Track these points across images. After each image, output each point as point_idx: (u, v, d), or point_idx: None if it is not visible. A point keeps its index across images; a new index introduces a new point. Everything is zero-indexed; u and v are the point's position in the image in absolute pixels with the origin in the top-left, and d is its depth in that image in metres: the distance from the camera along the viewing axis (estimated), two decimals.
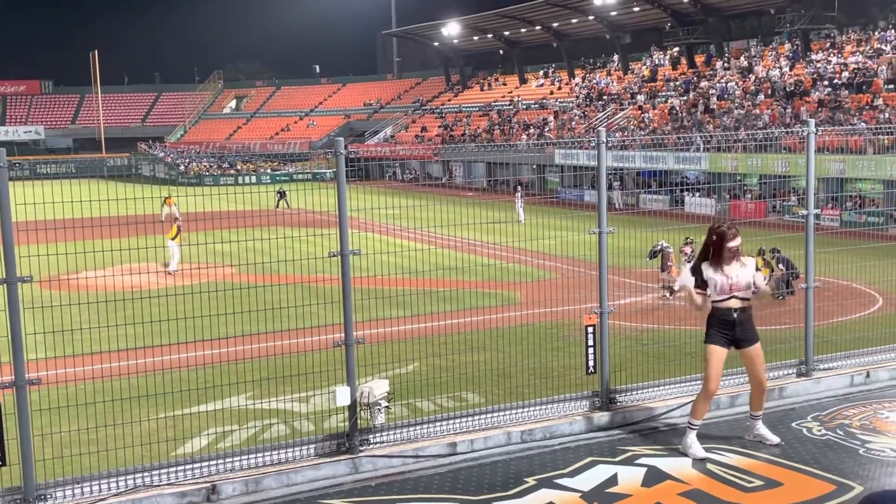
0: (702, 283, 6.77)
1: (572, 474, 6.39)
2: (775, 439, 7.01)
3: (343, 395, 6.64)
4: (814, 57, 47.04)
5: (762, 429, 7.09)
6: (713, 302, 6.78)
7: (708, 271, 6.77)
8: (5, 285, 5.63)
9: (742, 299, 6.78)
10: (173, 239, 26.75)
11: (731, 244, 6.70)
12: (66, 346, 14.43)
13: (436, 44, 78.00)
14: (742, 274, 6.75)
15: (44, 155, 76.10)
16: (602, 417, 7.45)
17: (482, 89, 75.35)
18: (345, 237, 6.60)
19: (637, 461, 6.64)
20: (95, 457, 7.46)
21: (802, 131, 8.50)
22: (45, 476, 6.08)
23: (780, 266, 18.00)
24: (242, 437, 11.78)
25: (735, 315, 6.76)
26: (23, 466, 5.77)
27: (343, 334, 6.71)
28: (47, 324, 11.50)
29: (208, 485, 6.17)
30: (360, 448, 6.67)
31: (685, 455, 6.71)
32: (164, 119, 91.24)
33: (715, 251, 6.75)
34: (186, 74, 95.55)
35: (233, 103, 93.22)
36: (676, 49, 59.76)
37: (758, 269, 6.96)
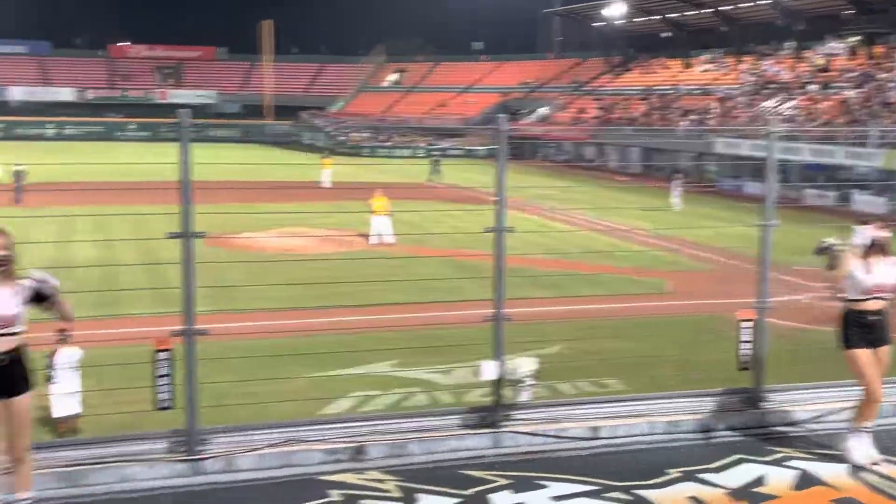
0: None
1: (718, 470, 6.25)
2: (862, 461, 6.48)
3: (489, 370, 6.70)
4: None
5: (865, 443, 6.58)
6: (851, 301, 6.48)
7: (854, 267, 6.47)
8: (182, 239, 5.95)
9: (883, 300, 6.48)
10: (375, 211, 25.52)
11: (878, 234, 6.44)
12: (225, 301, 15.22)
13: (598, 24, 76.80)
14: (890, 274, 6.46)
15: (214, 119, 79.73)
16: (753, 415, 7.22)
17: (643, 73, 73.76)
18: (502, 212, 6.63)
19: (787, 463, 6.42)
20: (248, 408, 7.84)
21: None
22: (203, 422, 6.41)
23: None
24: (385, 402, 12.09)
25: (873, 317, 6.46)
26: (187, 412, 6.12)
27: (493, 310, 6.75)
28: (209, 279, 12.12)
29: (356, 445, 6.37)
30: (503, 423, 6.72)
31: (843, 461, 6.42)
32: (327, 89, 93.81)
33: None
34: (351, 47, 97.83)
35: (393, 77, 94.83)
36: (855, 38, 56.58)
37: None
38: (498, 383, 6.76)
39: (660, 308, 18.00)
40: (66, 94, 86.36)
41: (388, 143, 70.98)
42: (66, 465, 5.78)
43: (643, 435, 6.90)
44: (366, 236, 25.18)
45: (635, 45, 78.82)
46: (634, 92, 68.87)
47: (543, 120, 71.57)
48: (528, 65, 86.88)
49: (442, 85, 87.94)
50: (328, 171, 40.17)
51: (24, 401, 5.32)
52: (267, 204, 23.52)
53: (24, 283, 5.30)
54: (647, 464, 6.32)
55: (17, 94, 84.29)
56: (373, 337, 14.32)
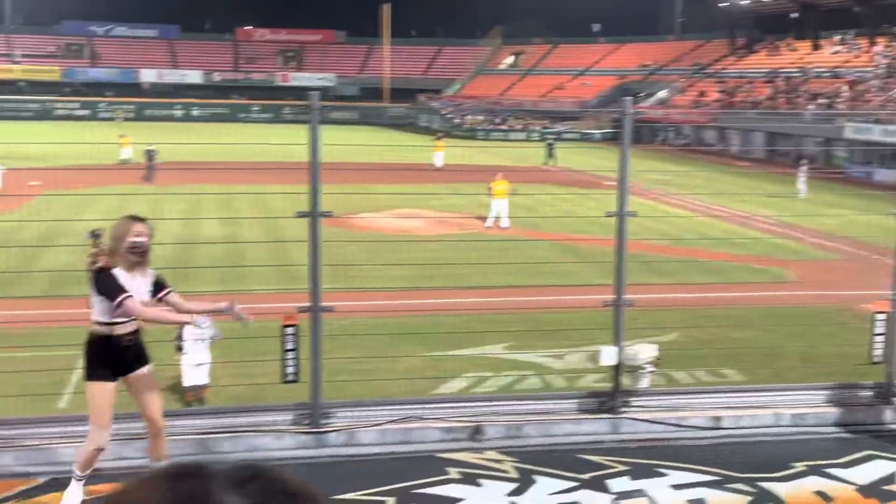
0: None
1: (847, 465, 6.04)
2: None
3: (609, 355, 6.65)
4: None
5: None
6: None
7: None
8: (309, 218, 6.12)
9: None
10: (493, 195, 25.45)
11: None
12: (342, 280, 15.56)
13: (723, 4, 74.52)
14: None
15: (333, 101, 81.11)
16: (885, 411, 6.95)
17: (770, 55, 71.25)
18: (624, 197, 6.55)
19: None
20: (363, 385, 8.01)
21: None
22: (321, 397, 6.57)
23: None
24: (497, 384, 12.13)
25: None
26: (312, 386, 6.30)
27: (613, 295, 6.70)
28: (329, 258, 12.41)
29: (474, 425, 6.44)
30: (622, 409, 6.67)
31: None
32: (444, 72, 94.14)
33: None
34: (468, 30, 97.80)
35: (509, 60, 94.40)
36: None
37: None
38: (617, 369, 6.71)
39: (782, 298, 17.42)
40: (193, 76, 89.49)
41: (504, 127, 70.85)
42: (200, 433, 6.04)
43: (767, 427, 6.73)
44: (482, 219, 25.25)
45: (762, 27, 76.12)
46: (759, 74, 66.63)
47: (662, 103, 70.10)
48: (647, 47, 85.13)
49: (559, 67, 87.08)
50: (440, 153, 40.44)
51: (146, 372, 5.61)
52: (383, 185, 23.87)
53: (152, 272, 5.58)
54: (772, 456, 6.17)
55: (148, 76, 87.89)
56: (486, 319, 14.38)
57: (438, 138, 44.33)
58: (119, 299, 5.24)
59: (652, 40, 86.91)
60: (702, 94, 67.81)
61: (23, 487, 5.74)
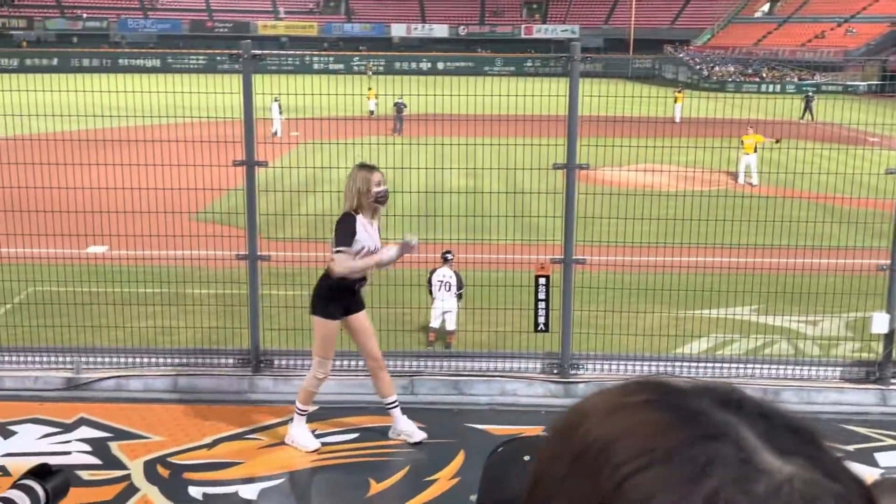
0: None
1: None
2: None
3: (881, 323, 6.22)
4: None
5: None
6: None
7: None
8: (566, 170, 6.14)
9: None
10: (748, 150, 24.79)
11: None
12: (586, 233, 15.47)
13: None
14: None
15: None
16: None
17: None
18: None
19: None
20: (606, 338, 7.96)
21: None
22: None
23: None
24: (744, 347, 11.67)
25: None
26: (562, 336, 6.37)
27: (888, 259, 6.23)
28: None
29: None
30: (892, 380, 6.24)
31: None
32: (693, 22, 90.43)
33: None
34: None
35: (766, 7, 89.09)
36: None
37: None
38: (889, 338, 6.26)
39: None
40: (440, 30, 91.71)
41: (756, 78, 67.25)
42: (454, 375, 6.29)
43: None
44: (730, 174, 24.27)
45: None
46: None
47: None
48: None
49: (821, 14, 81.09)
50: (679, 105, 39.22)
51: (363, 314, 5.91)
52: (624, 138, 23.34)
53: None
54: None
55: (398, 31, 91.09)
56: (733, 279, 13.82)
57: (679, 90, 42.96)
58: (335, 249, 5.57)
59: None
60: None
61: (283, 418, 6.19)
